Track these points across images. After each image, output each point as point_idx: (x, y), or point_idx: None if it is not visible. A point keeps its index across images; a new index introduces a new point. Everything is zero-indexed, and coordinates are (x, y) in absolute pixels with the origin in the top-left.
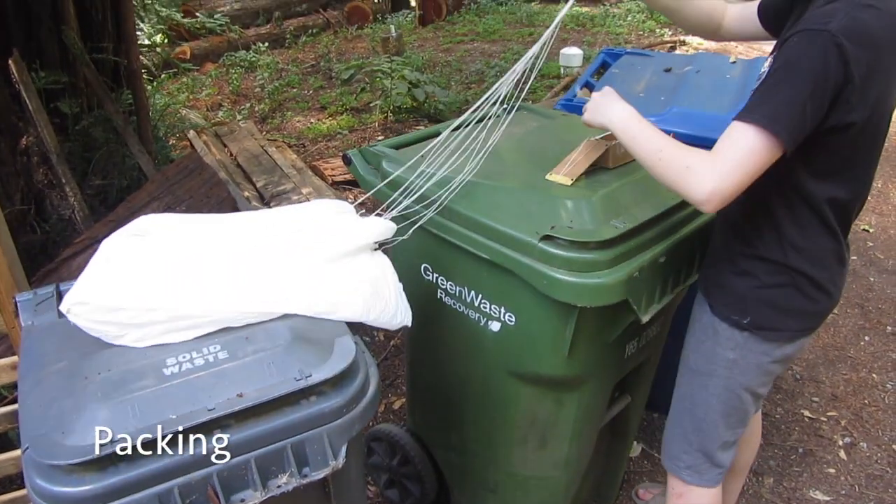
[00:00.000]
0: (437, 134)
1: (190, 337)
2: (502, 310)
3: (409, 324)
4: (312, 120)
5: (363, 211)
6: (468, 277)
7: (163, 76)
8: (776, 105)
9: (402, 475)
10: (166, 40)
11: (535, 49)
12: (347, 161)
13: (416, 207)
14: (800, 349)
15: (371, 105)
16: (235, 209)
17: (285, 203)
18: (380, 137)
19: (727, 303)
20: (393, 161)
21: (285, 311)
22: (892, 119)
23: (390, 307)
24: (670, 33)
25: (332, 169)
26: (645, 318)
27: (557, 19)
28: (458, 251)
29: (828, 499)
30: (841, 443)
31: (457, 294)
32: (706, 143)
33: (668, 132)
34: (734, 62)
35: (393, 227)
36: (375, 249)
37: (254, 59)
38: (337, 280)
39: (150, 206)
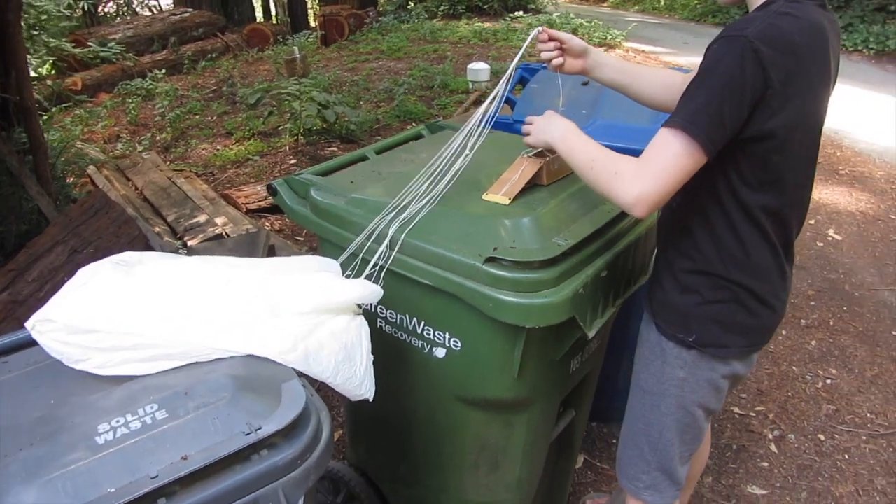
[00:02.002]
0: (364, 158)
1: (154, 370)
2: (447, 335)
3: (371, 398)
4: (219, 147)
5: (350, 273)
6: (409, 305)
7: (54, 110)
8: (694, 110)
9: None
10: (54, 71)
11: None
12: (273, 192)
13: (358, 239)
14: (750, 365)
15: (280, 129)
16: (148, 247)
17: (200, 235)
18: (292, 161)
19: (672, 321)
20: (322, 189)
21: (254, 352)
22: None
23: (358, 376)
24: None
25: (246, 197)
26: (591, 333)
27: (524, 46)
28: (397, 278)
29: (764, 492)
30: (770, 436)
31: (398, 322)
32: (632, 154)
33: None
34: None
35: (379, 292)
36: (358, 313)
37: (151, 86)
38: (314, 334)
39: (53, 250)
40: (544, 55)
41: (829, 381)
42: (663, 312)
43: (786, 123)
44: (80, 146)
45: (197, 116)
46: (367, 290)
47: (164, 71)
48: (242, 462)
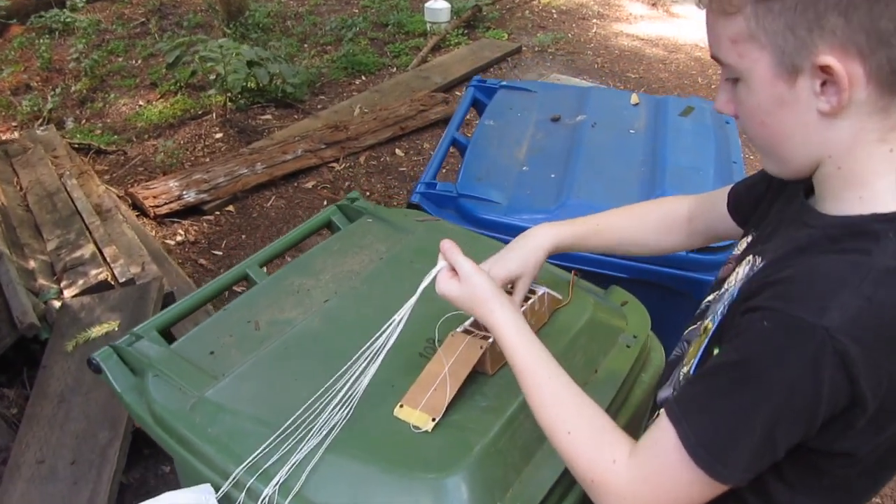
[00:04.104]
0: (244, 277)
1: None
2: None
3: None
4: (141, 102)
5: None
6: None
7: None
8: (722, 430)
9: None
10: None
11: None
12: (96, 369)
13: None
14: None
15: (210, 81)
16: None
17: (81, 281)
18: (217, 135)
19: None
20: (163, 377)
21: None
22: None
23: None
24: None
25: (155, 197)
26: None
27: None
28: None
29: None
30: None
31: None
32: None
33: None
34: (636, 104)
35: None
36: None
37: (69, 19)
38: None
39: None
40: None
41: None
42: None
43: (876, 446)
44: None
45: (120, 59)
46: None
47: None
48: None
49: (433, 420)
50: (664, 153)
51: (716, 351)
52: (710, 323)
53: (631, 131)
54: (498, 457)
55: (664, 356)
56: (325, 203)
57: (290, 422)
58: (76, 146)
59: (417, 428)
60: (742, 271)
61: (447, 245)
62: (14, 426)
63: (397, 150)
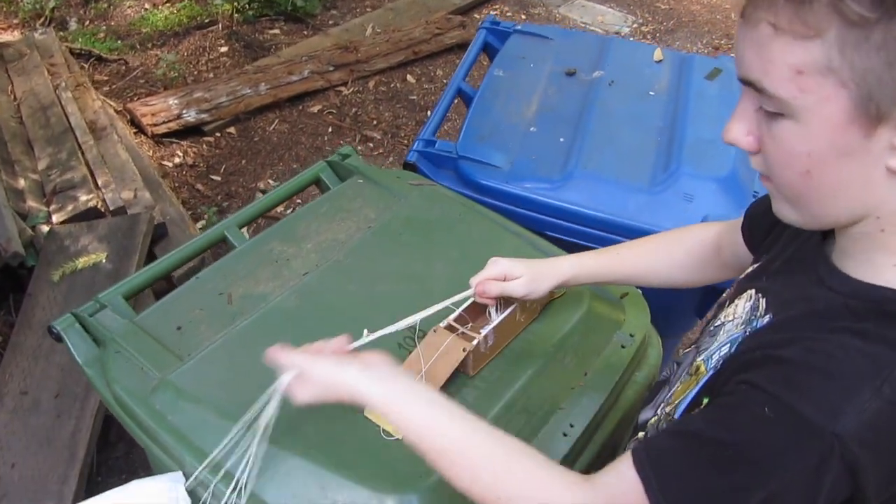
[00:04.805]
0: (221, 239)
1: None
2: None
3: None
4: (147, 5)
5: None
6: None
7: None
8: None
9: None
10: None
11: None
12: (57, 338)
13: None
14: None
15: None
16: None
17: (70, 206)
18: (222, 49)
19: None
20: (124, 353)
21: None
22: None
23: None
24: None
25: (154, 115)
26: None
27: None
28: None
29: None
30: None
31: None
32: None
33: (567, 208)
34: (660, 61)
35: None
36: None
37: None
38: None
39: None
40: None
41: None
42: None
43: None
44: None
45: None
46: None
47: None
48: None
49: None
50: (685, 122)
51: (705, 401)
52: (702, 364)
53: (651, 93)
54: None
55: (661, 352)
56: (330, 130)
57: (241, 428)
58: (77, 52)
59: (388, 435)
60: (742, 306)
61: (274, 355)
62: None
63: (409, 77)
